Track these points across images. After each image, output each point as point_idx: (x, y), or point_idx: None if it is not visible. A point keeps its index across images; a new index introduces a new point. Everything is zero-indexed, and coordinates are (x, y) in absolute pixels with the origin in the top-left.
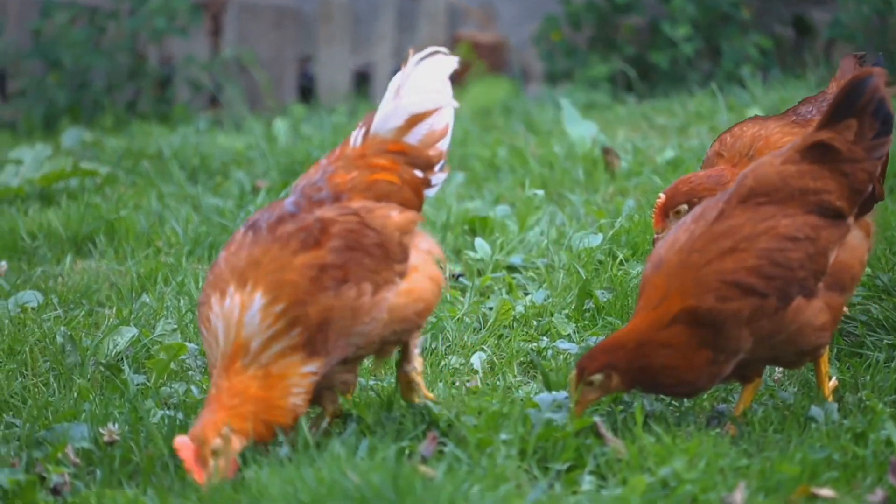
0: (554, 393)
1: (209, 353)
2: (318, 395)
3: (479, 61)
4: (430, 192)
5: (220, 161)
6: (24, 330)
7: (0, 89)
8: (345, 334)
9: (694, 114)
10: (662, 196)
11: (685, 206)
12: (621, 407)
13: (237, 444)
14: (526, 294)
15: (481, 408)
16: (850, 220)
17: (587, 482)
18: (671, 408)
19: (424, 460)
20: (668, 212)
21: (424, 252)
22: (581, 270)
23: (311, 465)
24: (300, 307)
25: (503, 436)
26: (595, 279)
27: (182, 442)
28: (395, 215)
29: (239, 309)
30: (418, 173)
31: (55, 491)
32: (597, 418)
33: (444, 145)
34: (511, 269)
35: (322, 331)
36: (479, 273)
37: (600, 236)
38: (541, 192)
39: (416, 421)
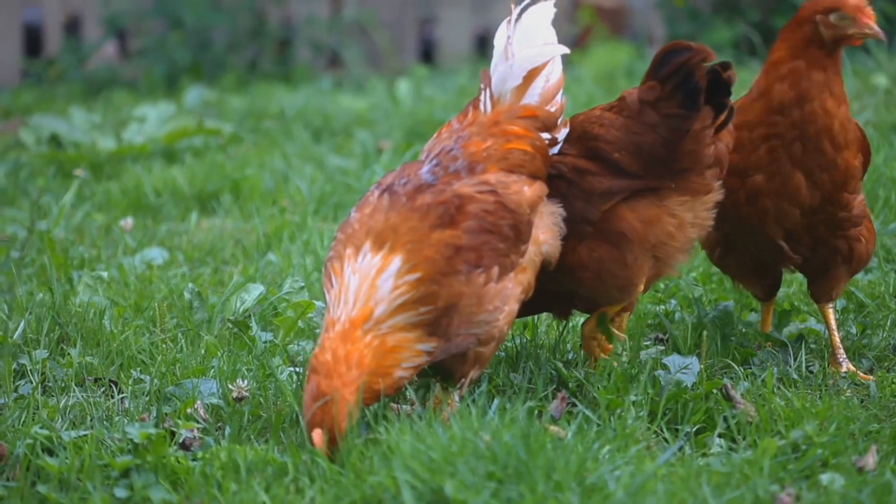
0: (683, 355)
1: (332, 304)
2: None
3: (601, 25)
4: (554, 150)
5: (342, 121)
6: (150, 287)
7: (122, 48)
8: (467, 322)
9: None
10: None
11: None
12: (751, 370)
13: (355, 417)
14: None
15: (610, 369)
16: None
17: (717, 444)
18: (800, 372)
19: (554, 420)
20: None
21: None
22: None
23: (442, 423)
24: (433, 285)
25: (633, 397)
26: None
27: (319, 439)
28: (527, 191)
29: (376, 269)
30: (546, 136)
31: (185, 446)
32: (726, 381)
33: (560, 97)
34: None
35: (447, 315)
36: None
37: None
38: None
39: (545, 381)
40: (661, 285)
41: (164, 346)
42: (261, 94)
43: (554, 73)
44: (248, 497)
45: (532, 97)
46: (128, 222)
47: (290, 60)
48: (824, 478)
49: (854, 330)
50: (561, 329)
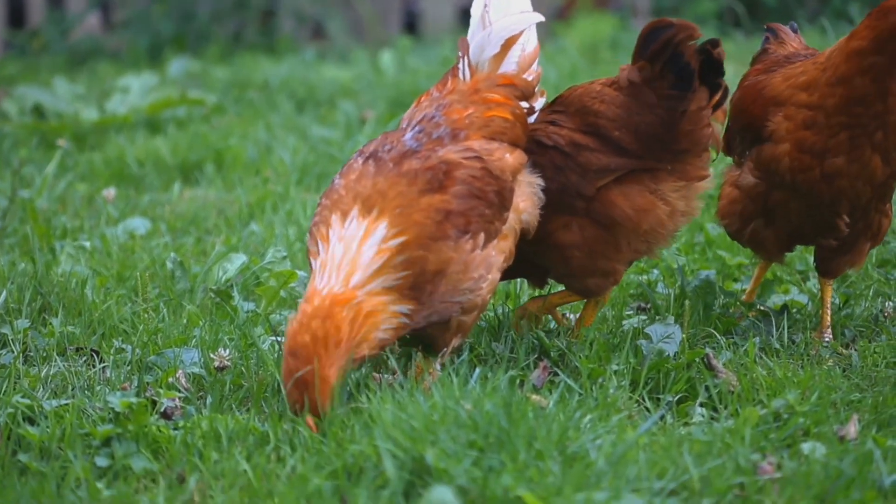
0: (665, 324)
1: (318, 272)
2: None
3: None
4: (531, 119)
5: (326, 92)
6: (132, 256)
7: (105, 19)
8: (453, 289)
9: None
10: None
11: None
12: (733, 340)
13: (340, 389)
14: None
15: (593, 338)
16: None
17: (699, 413)
18: (782, 342)
19: (536, 389)
20: None
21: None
22: None
23: (423, 392)
24: (420, 249)
25: (614, 366)
26: (705, 213)
27: (311, 423)
28: (509, 158)
29: (362, 236)
30: (525, 105)
31: (166, 415)
32: (709, 350)
33: (536, 66)
34: None
35: (434, 281)
36: None
37: (710, 170)
38: None
39: (527, 350)
40: None
41: (146, 315)
42: (244, 65)
43: (530, 41)
44: (229, 466)
45: (510, 65)
46: (110, 192)
47: (273, 31)
48: (806, 447)
49: (837, 300)
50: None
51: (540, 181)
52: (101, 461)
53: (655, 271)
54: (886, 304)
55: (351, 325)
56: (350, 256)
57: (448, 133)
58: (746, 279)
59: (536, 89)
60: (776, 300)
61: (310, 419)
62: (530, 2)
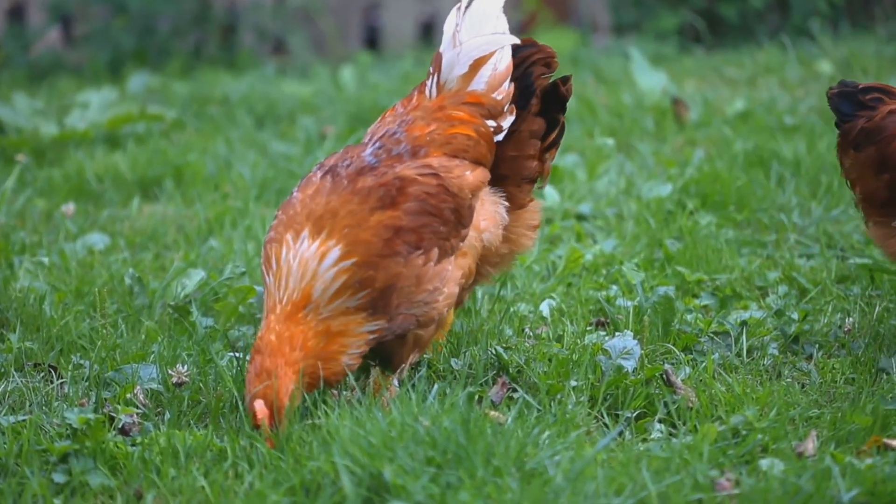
0: (624, 339)
1: (272, 289)
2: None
3: (546, 11)
4: (499, 138)
5: (286, 107)
6: (91, 272)
7: (66, 34)
8: (407, 301)
9: (763, 66)
10: None
11: None
12: (692, 356)
13: (297, 400)
14: (595, 243)
15: (551, 354)
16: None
17: (657, 430)
18: (740, 358)
19: (494, 406)
20: None
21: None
22: (651, 220)
23: (381, 408)
24: (369, 269)
25: (573, 382)
26: (664, 229)
27: (261, 409)
28: (469, 176)
29: (318, 258)
30: (491, 124)
31: (124, 431)
32: (667, 366)
33: (508, 85)
34: (580, 217)
35: (385, 296)
36: (549, 221)
37: (670, 186)
38: (610, 142)
39: (485, 367)
40: (603, 271)
41: (104, 331)
42: (205, 80)
43: (502, 61)
44: (187, 482)
45: (479, 85)
46: (69, 208)
47: (234, 46)
48: (764, 463)
49: (796, 316)
50: (501, 314)
51: (505, 202)
52: (59, 477)
53: (615, 287)
54: (846, 319)
55: (318, 336)
56: (307, 272)
57: (408, 150)
58: (706, 295)
59: (505, 108)
60: (735, 316)
61: (259, 404)
62: (501, 21)
